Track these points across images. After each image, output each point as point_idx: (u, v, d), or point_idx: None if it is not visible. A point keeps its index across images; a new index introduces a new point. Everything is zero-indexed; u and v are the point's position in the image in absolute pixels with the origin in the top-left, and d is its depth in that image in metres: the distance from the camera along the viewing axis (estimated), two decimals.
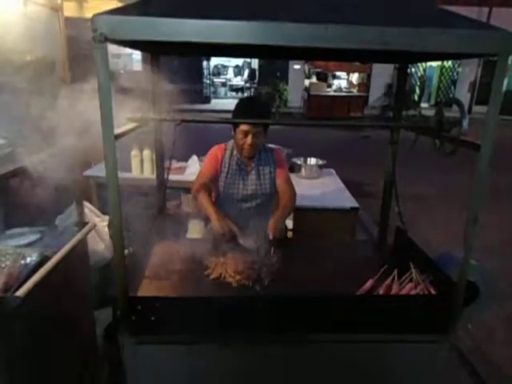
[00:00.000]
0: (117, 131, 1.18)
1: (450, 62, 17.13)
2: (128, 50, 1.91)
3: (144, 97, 1.82)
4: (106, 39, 0.99)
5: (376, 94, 16.48)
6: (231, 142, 2.18)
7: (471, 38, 1.05)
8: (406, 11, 1.14)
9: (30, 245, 1.67)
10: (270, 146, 2.31)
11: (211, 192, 2.16)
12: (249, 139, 2.01)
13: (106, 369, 2.00)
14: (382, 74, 15.72)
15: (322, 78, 15.33)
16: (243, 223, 1.97)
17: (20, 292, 1.28)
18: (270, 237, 1.82)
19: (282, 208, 2.08)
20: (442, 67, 17.42)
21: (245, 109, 2.01)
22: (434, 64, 17.34)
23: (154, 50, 1.78)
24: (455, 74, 17.32)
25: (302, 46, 1.00)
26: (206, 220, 2.37)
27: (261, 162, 2.18)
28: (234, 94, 18.57)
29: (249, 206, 2.21)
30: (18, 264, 1.44)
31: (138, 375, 1.38)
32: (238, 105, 2.05)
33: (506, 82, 1.09)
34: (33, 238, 1.73)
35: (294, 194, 2.19)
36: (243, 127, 2.00)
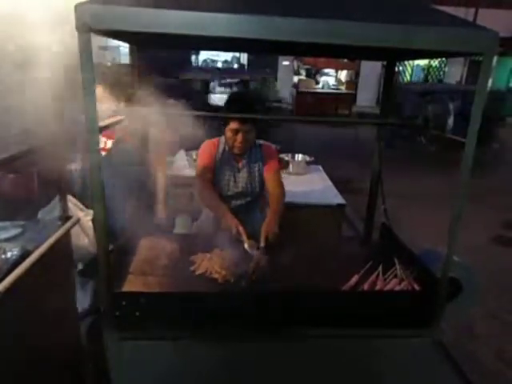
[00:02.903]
0: (101, 123, 1.16)
1: (436, 62, 17.36)
2: (115, 42, 1.88)
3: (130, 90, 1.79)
4: (90, 29, 0.97)
5: (363, 92, 16.59)
6: (223, 138, 2.11)
7: (458, 37, 1.06)
8: (394, 8, 1.14)
9: (11, 239, 1.62)
10: (260, 141, 2.20)
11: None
12: (239, 137, 1.96)
13: (91, 366, 1.98)
14: (371, 71, 15.84)
15: (311, 74, 15.36)
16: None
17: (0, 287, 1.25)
18: (262, 244, 1.76)
19: (273, 213, 1.95)
20: (428, 67, 17.64)
21: (235, 105, 1.97)
22: (422, 63, 17.55)
23: (139, 42, 1.75)
24: (442, 73, 17.56)
25: (288, 40, 0.99)
26: (194, 215, 2.34)
27: (251, 159, 2.12)
28: (222, 88, 18.46)
29: (239, 204, 2.16)
30: None
31: (123, 371, 1.37)
32: (228, 101, 2.00)
33: (489, 82, 1.10)
34: (14, 232, 1.68)
35: (282, 194, 2.06)
36: (233, 126, 1.95)
